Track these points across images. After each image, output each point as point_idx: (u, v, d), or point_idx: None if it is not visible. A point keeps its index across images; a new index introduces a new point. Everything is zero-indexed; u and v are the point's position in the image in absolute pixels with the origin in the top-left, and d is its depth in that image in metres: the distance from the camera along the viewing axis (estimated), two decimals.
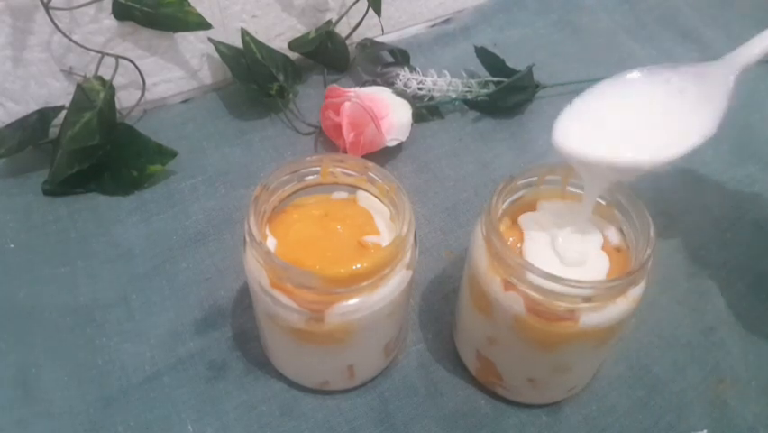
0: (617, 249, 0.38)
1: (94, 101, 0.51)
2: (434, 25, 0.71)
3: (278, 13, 0.62)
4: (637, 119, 0.35)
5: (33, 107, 0.55)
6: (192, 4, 0.53)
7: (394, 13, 0.68)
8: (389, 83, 0.60)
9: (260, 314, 0.40)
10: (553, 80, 0.63)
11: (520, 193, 0.39)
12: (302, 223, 0.39)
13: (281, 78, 0.59)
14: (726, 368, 0.45)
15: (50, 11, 0.49)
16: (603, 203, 0.39)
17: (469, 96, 0.61)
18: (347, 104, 0.54)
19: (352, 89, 0.56)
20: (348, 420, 0.42)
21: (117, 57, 0.54)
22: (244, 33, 0.58)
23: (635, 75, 0.35)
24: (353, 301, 0.35)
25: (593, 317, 0.35)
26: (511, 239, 0.38)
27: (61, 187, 0.53)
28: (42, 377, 0.43)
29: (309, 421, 0.42)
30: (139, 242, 0.50)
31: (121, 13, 0.53)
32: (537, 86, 0.62)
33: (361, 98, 0.54)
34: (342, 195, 0.41)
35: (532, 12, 0.73)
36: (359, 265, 0.35)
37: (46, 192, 0.53)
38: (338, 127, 0.54)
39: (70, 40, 0.52)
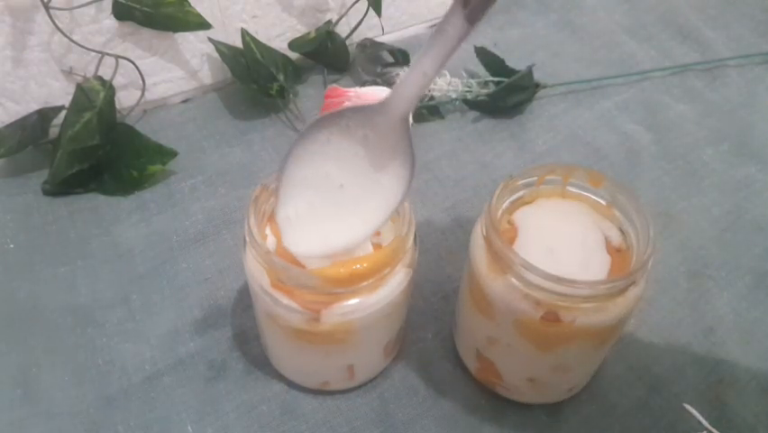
0: (617, 249, 0.38)
1: (94, 101, 0.51)
2: (433, 25, 0.71)
3: (279, 14, 0.62)
4: (338, 200, 0.34)
5: (33, 107, 0.55)
6: (192, 5, 0.53)
7: (394, 13, 0.68)
8: (389, 83, 0.60)
9: (261, 314, 0.40)
10: (553, 80, 0.64)
11: (520, 193, 0.39)
12: None
13: (281, 78, 0.59)
14: (726, 368, 0.45)
15: (51, 11, 0.49)
16: (603, 203, 0.39)
17: (469, 96, 0.61)
18: (347, 104, 0.54)
19: (352, 89, 0.56)
20: (348, 420, 0.42)
21: (117, 57, 0.54)
22: (244, 33, 0.58)
23: (314, 155, 0.33)
24: (353, 301, 0.35)
25: (593, 317, 0.35)
26: (511, 240, 0.38)
27: (61, 187, 0.53)
28: (42, 377, 0.43)
29: (309, 421, 0.42)
30: (139, 242, 0.50)
31: (121, 13, 0.53)
32: (537, 86, 0.62)
33: (361, 98, 0.54)
34: None
35: (532, 12, 0.73)
36: (359, 265, 0.35)
37: (46, 192, 0.53)
38: None
39: (70, 40, 0.52)
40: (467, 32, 0.28)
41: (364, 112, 0.31)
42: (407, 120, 0.32)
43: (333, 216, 0.34)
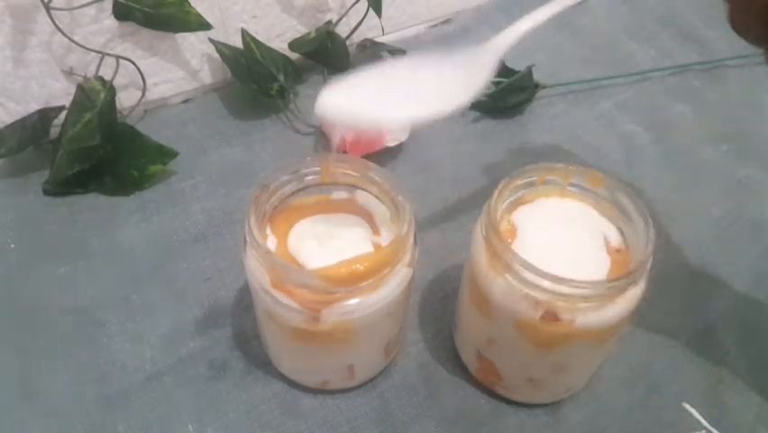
0: (617, 249, 0.38)
1: (94, 101, 0.51)
2: (434, 25, 0.71)
3: (279, 14, 0.62)
4: (399, 86, 0.37)
5: (34, 107, 0.55)
6: (192, 5, 0.54)
7: (394, 14, 0.68)
8: None
9: (261, 314, 0.40)
10: (553, 80, 0.64)
11: (520, 193, 0.39)
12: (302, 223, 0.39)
13: (281, 78, 0.60)
14: (726, 368, 0.45)
15: (51, 11, 0.49)
16: (603, 203, 0.39)
17: None
18: None
19: None
20: (348, 420, 0.42)
21: (118, 57, 0.54)
22: (245, 34, 0.59)
23: (408, 59, 0.37)
24: (353, 301, 0.35)
25: (593, 317, 0.35)
26: (510, 240, 0.38)
27: (62, 187, 0.53)
28: (42, 377, 0.43)
29: (309, 421, 0.42)
30: (139, 242, 0.50)
31: (121, 13, 0.53)
32: (537, 86, 0.62)
33: None
34: (342, 195, 0.41)
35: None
36: (359, 265, 0.35)
37: (46, 192, 0.53)
38: None
39: (71, 40, 0.52)
40: None
41: (464, 57, 0.37)
42: (500, 56, 0.38)
43: (390, 98, 0.36)
